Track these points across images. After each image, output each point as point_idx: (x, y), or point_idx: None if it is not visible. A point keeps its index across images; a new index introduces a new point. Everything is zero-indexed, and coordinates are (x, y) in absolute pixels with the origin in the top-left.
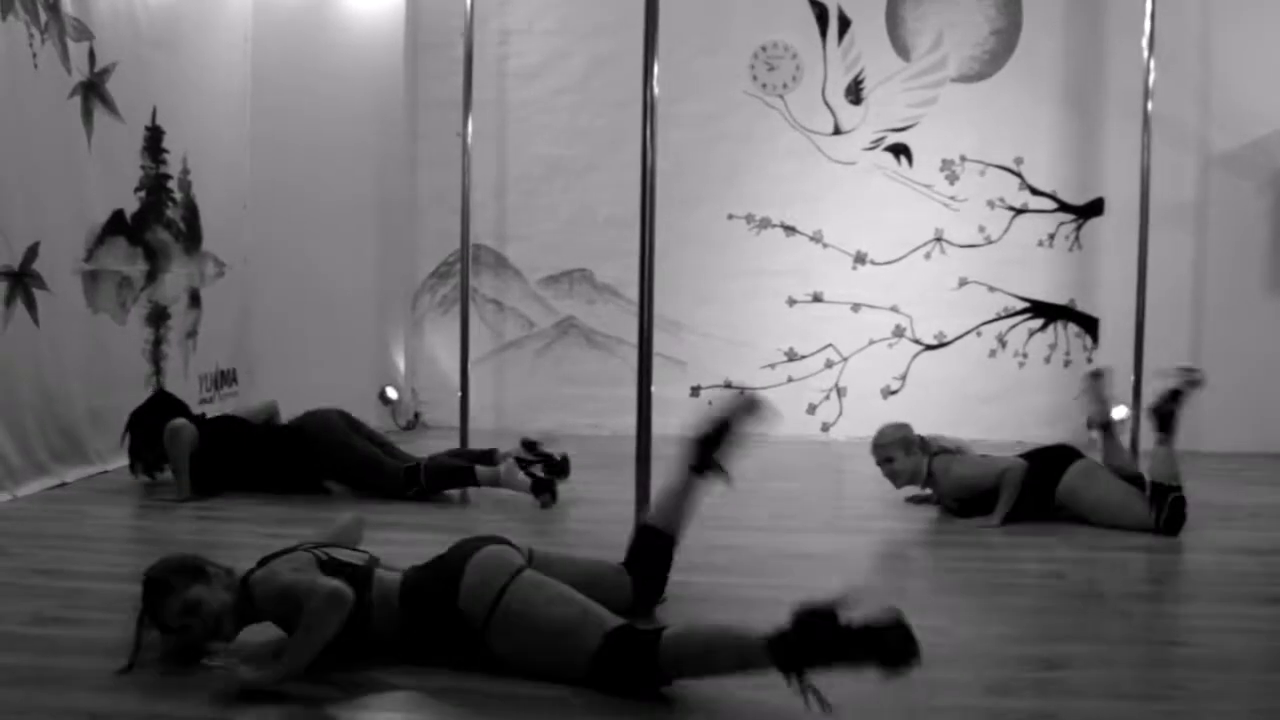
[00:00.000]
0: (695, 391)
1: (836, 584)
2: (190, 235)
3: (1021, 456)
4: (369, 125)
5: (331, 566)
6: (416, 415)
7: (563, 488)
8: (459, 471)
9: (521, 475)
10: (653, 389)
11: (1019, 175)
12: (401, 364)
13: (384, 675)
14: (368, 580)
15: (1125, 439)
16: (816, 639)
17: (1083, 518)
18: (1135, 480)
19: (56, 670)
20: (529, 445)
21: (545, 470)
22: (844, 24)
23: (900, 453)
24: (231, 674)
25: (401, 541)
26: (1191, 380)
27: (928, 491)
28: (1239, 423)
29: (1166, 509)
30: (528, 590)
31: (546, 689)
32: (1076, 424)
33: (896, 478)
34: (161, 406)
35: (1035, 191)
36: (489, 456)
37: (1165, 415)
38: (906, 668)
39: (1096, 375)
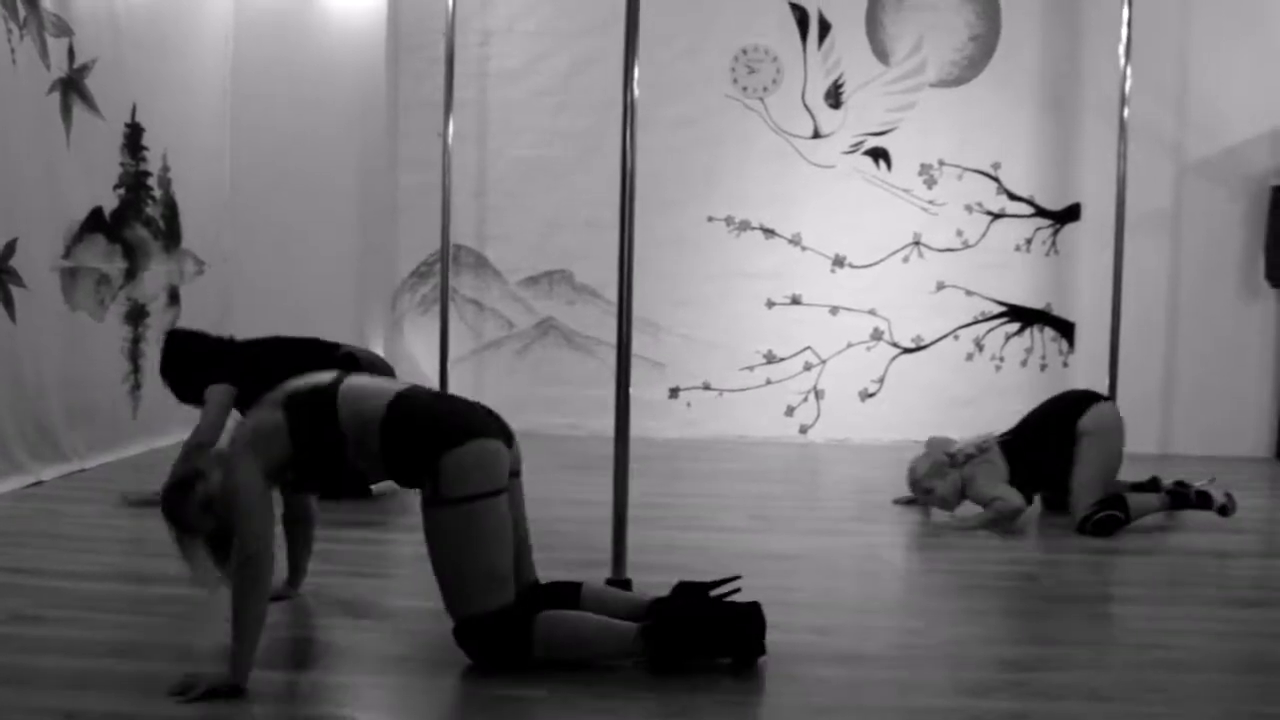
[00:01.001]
0: (674, 393)
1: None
2: (169, 233)
3: (1051, 402)
4: (350, 125)
5: (296, 403)
6: None
7: (541, 491)
8: None
9: None
10: (631, 390)
11: (997, 180)
12: None
13: (372, 677)
14: (334, 401)
15: None
16: (685, 630)
17: (1081, 458)
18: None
19: (32, 669)
20: None
21: None
22: (824, 28)
23: (937, 481)
24: (195, 684)
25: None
26: (1224, 508)
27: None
28: (1212, 426)
29: (1101, 519)
30: (483, 519)
31: (542, 691)
32: None
33: (946, 504)
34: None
35: (1013, 196)
36: None
37: (1182, 504)
38: (756, 656)
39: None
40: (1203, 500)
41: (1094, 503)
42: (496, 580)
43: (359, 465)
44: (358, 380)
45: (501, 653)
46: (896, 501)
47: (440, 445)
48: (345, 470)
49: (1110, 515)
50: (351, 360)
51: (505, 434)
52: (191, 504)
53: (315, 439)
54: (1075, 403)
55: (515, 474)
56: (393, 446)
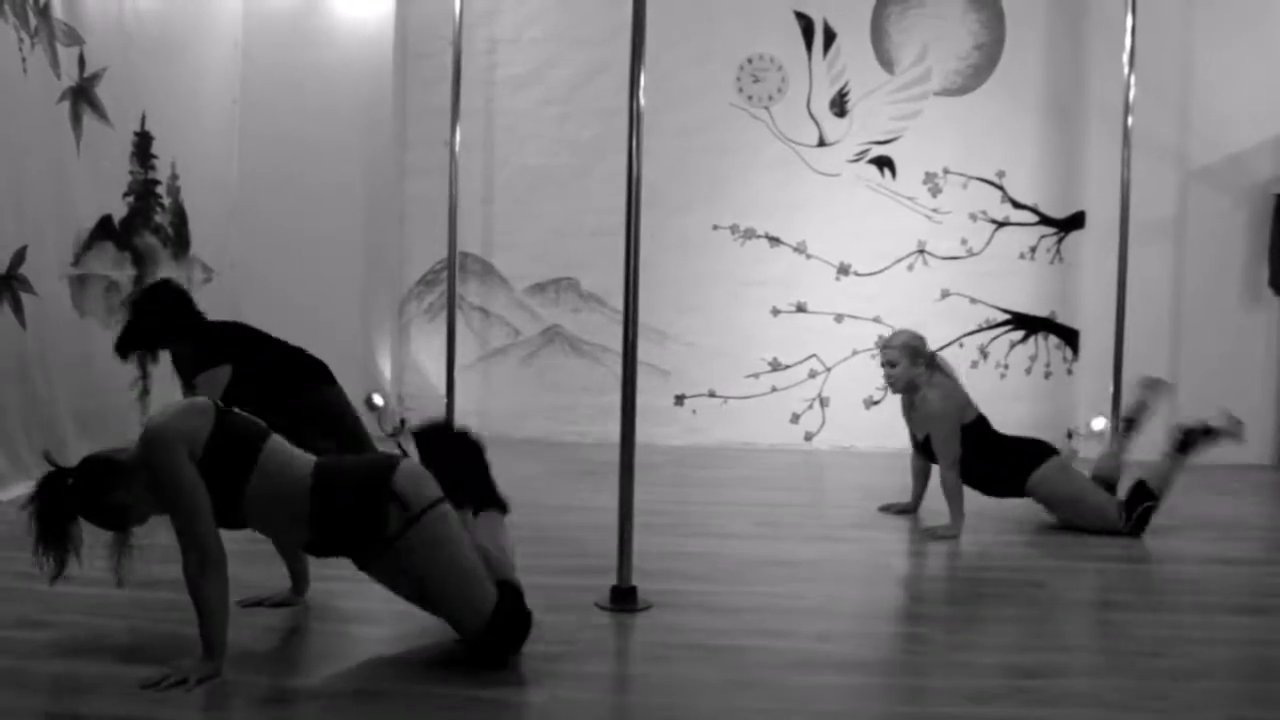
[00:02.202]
0: (679, 400)
1: (814, 592)
2: (178, 241)
3: (1000, 442)
4: (357, 133)
5: (227, 420)
6: (402, 421)
7: (547, 497)
8: None
9: None
10: (637, 397)
11: (1001, 188)
12: (388, 370)
13: (374, 683)
14: (256, 451)
15: (1101, 447)
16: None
17: (1049, 505)
18: (1109, 488)
19: (38, 674)
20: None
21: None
22: (829, 37)
23: (905, 360)
24: (180, 679)
25: None
26: (1231, 433)
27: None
28: None
29: (1138, 515)
30: (451, 519)
31: (518, 693)
32: (1057, 434)
33: (894, 382)
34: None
35: (1017, 205)
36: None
37: (1191, 442)
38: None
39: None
40: (1209, 433)
41: (1122, 507)
42: (482, 574)
43: (247, 521)
44: (283, 442)
45: (524, 627)
46: (882, 509)
47: (385, 476)
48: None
49: (1144, 509)
50: (322, 368)
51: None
52: (103, 502)
53: (221, 470)
54: (1027, 454)
55: None
56: (330, 506)
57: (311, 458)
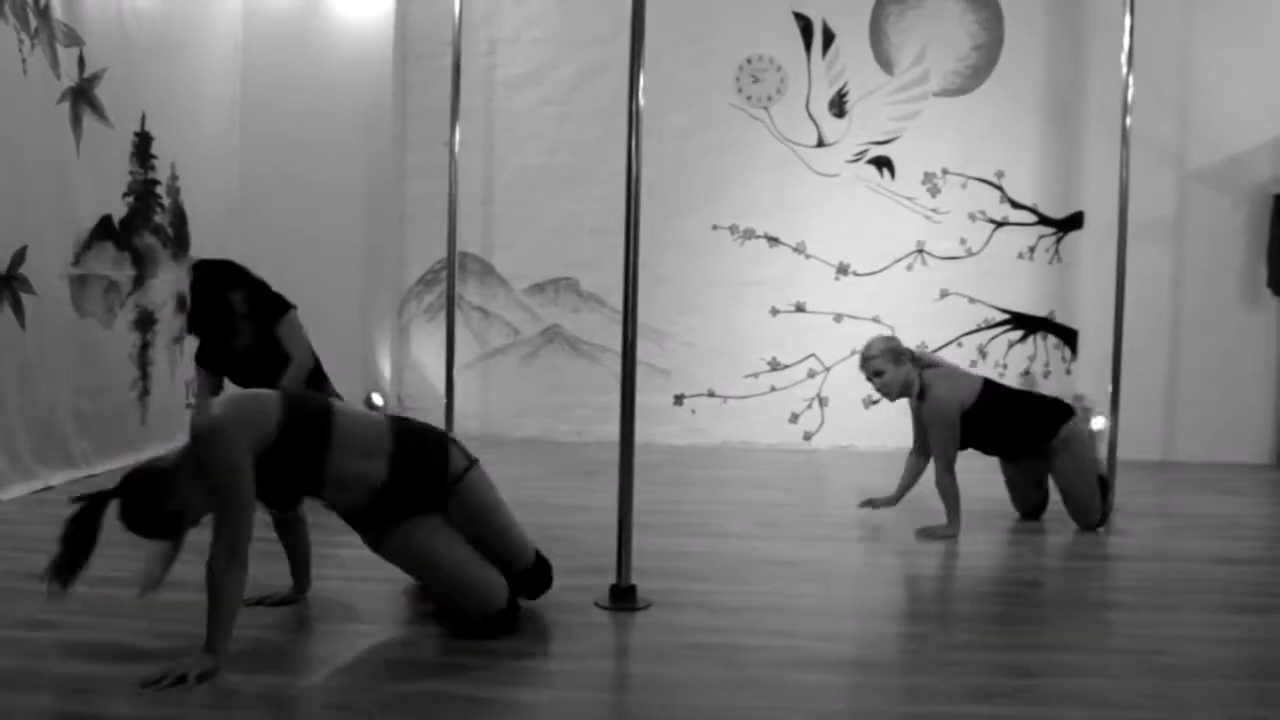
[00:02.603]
0: (679, 400)
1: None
2: (178, 241)
3: (1021, 398)
4: (357, 133)
5: (294, 404)
6: None
7: (546, 497)
8: None
9: None
10: (636, 397)
11: (1000, 189)
12: (387, 370)
13: (376, 683)
14: (330, 416)
15: (1104, 449)
16: None
17: (1059, 465)
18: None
19: (44, 674)
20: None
21: None
22: (828, 38)
23: (890, 365)
24: (180, 676)
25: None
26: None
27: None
28: (1215, 433)
29: (1105, 506)
30: (484, 480)
31: (518, 693)
32: None
33: (889, 390)
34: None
35: (1016, 205)
36: None
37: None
38: None
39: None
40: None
41: (1103, 499)
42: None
43: (323, 483)
44: (344, 403)
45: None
46: (864, 504)
47: (442, 432)
48: (302, 486)
49: (1105, 499)
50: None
51: None
52: (160, 511)
53: (301, 445)
54: (1055, 414)
55: None
56: (410, 441)
57: (380, 416)
